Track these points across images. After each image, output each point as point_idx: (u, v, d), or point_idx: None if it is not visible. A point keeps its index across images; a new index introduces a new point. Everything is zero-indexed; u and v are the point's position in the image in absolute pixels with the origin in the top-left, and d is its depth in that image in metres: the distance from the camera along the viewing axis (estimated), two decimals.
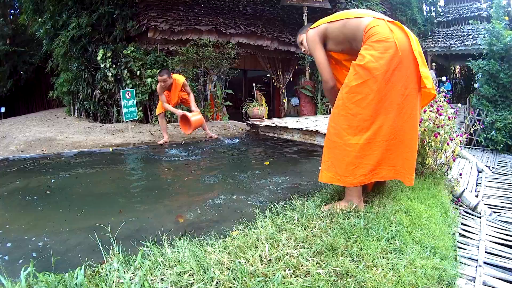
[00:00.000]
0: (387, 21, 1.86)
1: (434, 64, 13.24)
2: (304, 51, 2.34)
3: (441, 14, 14.82)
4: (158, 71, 5.20)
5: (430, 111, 2.88)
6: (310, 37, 2.10)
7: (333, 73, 2.15)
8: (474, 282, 1.76)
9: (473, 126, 8.45)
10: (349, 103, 1.83)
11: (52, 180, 3.07)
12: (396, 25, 1.86)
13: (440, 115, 2.82)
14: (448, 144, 2.89)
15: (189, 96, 5.26)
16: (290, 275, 1.32)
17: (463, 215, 2.82)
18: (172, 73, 5.07)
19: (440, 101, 2.97)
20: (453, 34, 13.40)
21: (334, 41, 2.07)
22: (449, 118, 2.93)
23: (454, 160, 3.07)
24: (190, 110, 5.09)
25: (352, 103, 1.82)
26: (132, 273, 1.29)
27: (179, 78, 5.11)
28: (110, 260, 1.37)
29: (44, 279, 1.25)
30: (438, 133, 2.76)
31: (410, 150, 1.93)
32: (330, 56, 2.22)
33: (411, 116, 1.86)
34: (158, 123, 5.92)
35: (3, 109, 9.96)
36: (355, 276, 1.33)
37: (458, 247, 2.14)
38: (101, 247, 1.46)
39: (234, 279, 1.25)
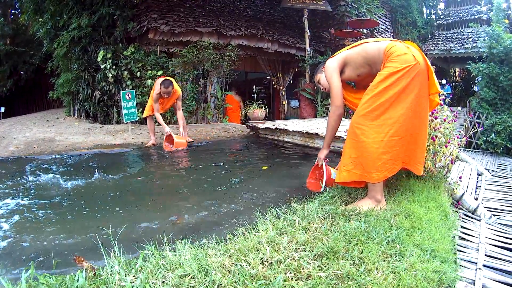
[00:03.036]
0: (403, 41, 2.18)
1: (434, 66, 13.23)
2: (322, 89, 2.57)
3: (441, 17, 14.85)
4: (159, 78, 5.08)
5: None
6: (329, 65, 2.31)
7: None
8: (474, 285, 1.76)
9: (473, 129, 8.48)
10: (374, 105, 2.06)
11: (52, 182, 3.08)
12: (410, 44, 2.17)
13: (435, 118, 2.83)
14: (446, 147, 2.89)
15: (177, 111, 5.18)
16: (291, 278, 1.32)
17: (463, 218, 2.82)
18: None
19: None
20: (453, 37, 13.42)
21: (353, 65, 2.29)
22: (444, 120, 2.93)
23: (452, 163, 3.07)
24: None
25: (377, 105, 2.06)
26: (134, 276, 1.29)
27: (178, 89, 5.09)
28: (111, 263, 1.37)
29: (45, 281, 1.25)
30: (436, 136, 2.77)
31: (423, 146, 2.22)
32: (346, 87, 2.46)
33: (423, 116, 2.16)
34: (157, 125, 5.89)
35: (3, 109, 9.95)
36: (356, 279, 1.33)
37: (458, 250, 2.14)
38: (102, 250, 1.46)
39: (235, 282, 1.26)
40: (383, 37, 10.79)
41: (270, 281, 1.28)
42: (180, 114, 5.15)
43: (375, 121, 2.06)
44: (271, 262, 1.41)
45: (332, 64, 2.30)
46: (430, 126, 2.82)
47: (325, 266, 1.41)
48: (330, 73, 2.28)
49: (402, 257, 1.55)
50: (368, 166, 2.06)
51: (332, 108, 2.27)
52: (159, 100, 5.00)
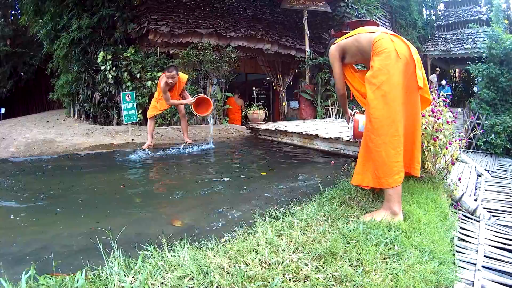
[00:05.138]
0: (390, 34, 2.20)
1: (438, 69, 13.22)
2: None
3: (441, 17, 14.88)
4: (166, 68, 4.94)
5: (429, 115, 2.88)
6: (331, 52, 2.50)
7: (349, 80, 2.57)
8: (473, 286, 1.76)
9: (473, 130, 8.48)
10: (370, 107, 2.10)
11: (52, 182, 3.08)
12: (397, 37, 2.19)
13: (438, 119, 2.83)
14: (446, 148, 2.89)
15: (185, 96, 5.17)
16: (290, 280, 1.32)
17: (462, 219, 2.83)
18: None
19: (439, 105, 2.98)
20: (453, 37, 13.44)
21: (349, 53, 2.44)
22: (447, 122, 2.94)
23: (452, 164, 3.08)
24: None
25: (372, 108, 2.08)
26: (133, 277, 1.30)
27: (183, 77, 4.97)
28: (110, 264, 1.38)
29: (45, 282, 1.26)
30: (437, 137, 2.77)
31: (418, 144, 2.24)
32: (351, 67, 2.63)
33: (414, 111, 2.17)
34: (156, 126, 5.81)
35: (3, 110, 9.97)
36: (354, 281, 1.34)
37: (457, 251, 2.14)
38: (102, 251, 1.46)
39: (234, 284, 1.26)
40: None
41: (269, 282, 1.28)
42: (186, 94, 5.18)
43: (375, 124, 2.07)
44: (270, 264, 1.42)
45: (333, 52, 2.48)
46: (432, 128, 2.83)
47: (323, 268, 1.42)
48: (332, 60, 2.50)
49: (401, 258, 1.55)
50: (378, 171, 2.04)
51: (336, 91, 2.60)
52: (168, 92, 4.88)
